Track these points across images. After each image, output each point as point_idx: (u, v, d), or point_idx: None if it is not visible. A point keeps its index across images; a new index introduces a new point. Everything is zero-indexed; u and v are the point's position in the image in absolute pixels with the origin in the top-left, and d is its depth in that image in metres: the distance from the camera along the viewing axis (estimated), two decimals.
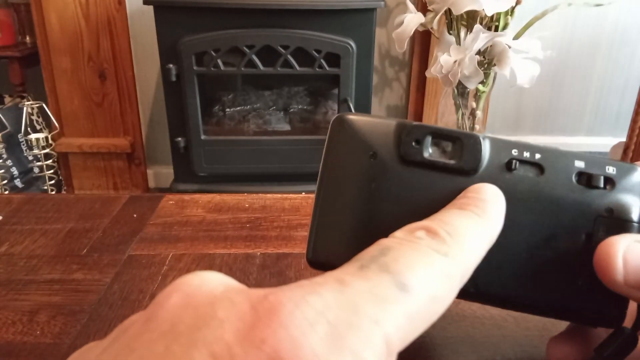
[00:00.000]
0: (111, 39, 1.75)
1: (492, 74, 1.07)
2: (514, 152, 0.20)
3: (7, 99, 1.87)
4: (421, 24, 1.08)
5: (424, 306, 0.14)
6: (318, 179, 0.21)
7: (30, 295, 0.32)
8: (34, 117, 1.78)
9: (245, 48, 1.50)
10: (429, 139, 0.20)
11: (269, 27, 1.50)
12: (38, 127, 1.80)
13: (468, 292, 0.19)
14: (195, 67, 1.52)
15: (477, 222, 0.17)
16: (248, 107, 1.79)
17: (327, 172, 0.20)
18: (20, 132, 1.75)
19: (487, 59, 1.05)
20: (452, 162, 0.20)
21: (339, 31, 1.51)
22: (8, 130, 1.72)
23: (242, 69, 1.54)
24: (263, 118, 1.77)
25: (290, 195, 0.46)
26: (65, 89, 1.79)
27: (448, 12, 1.04)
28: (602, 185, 0.20)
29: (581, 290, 0.19)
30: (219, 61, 1.52)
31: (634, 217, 0.19)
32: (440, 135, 0.20)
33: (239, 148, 1.65)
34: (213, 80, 1.79)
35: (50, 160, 1.71)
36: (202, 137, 1.63)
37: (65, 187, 1.92)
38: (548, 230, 0.20)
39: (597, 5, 1.07)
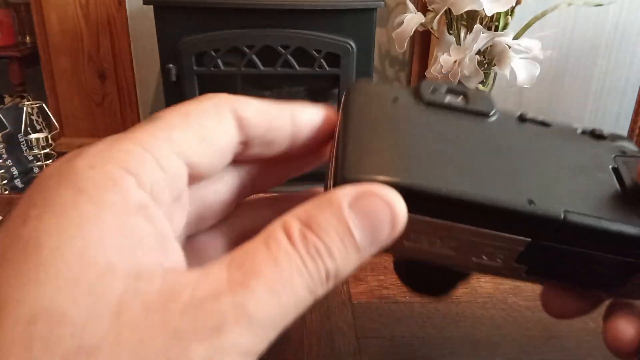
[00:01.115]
0: (111, 39, 1.75)
1: (492, 74, 1.07)
2: (520, 112, 0.21)
3: (7, 99, 1.87)
4: (421, 24, 1.08)
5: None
6: (337, 131, 0.19)
7: None
8: (34, 117, 1.78)
9: (245, 48, 1.50)
10: (444, 88, 0.20)
11: (269, 27, 1.50)
12: (38, 127, 1.80)
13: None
14: (195, 67, 1.52)
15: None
16: None
17: (349, 121, 0.19)
18: (20, 132, 1.75)
19: (487, 59, 1.05)
20: (469, 105, 0.20)
21: (339, 31, 1.50)
22: (8, 130, 1.72)
23: (242, 69, 1.54)
24: None
25: None
26: (65, 89, 1.79)
27: (448, 12, 1.04)
28: (604, 133, 0.21)
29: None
30: (219, 61, 1.52)
31: None
32: (452, 89, 0.21)
33: None
34: (213, 80, 1.79)
35: (51, 160, 1.71)
36: None
37: None
38: (577, 161, 0.20)
39: (597, 5, 1.07)
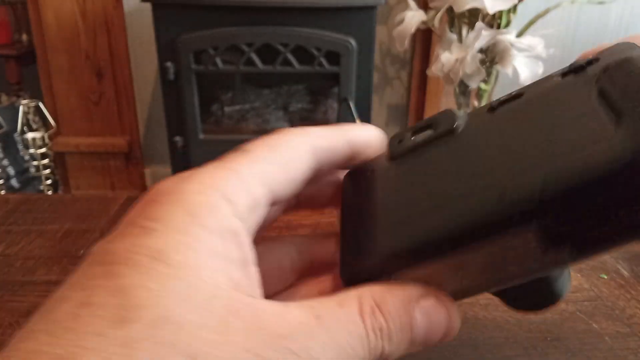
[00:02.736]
0: (108, 37, 1.74)
1: (494, 72, 1.07)
2: (492, 102, 0.19)
3: (4, 98, 1.86)
4: (422, 22, 1.07)
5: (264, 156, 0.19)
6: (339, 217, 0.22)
7: (27, 297, 0.32)
8: (31, 116, 1.77)
9: (244, 46, 1.50)
10: (409, 132, 0.21)
11: (268, 25, 1.49)
12: (34, 126, 1.79)
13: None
14: (193, 66, 1.52)
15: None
16: (247, 105, 1.79)
17: (342, 213, 0.22)
18: (17, 131, 1.74)
19: (489, 57, 1.04)
20: (434, 132, 0.19)
21: (339, 29, 1.50)
22: (4, 129, 1.71)
23: (241, 67, 1.53)
24: (262, 117, 1.76)
25: None
26: (62, 88, 1.78)
27: (450, 9, 1.03)
28: (584, 64, 0.17)
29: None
30: (218, 59, 1.51)
31: (628, 58, 0.16)
32: (417, 128, 0.21)
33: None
34: (211, 78, 1.78)
35: (47, 160, 1.70)
36: (201, 136, 1.62)
37: (61, 187, 1.91)
38: (556, 118, 0.16)
39: (601, 2, 1.06)
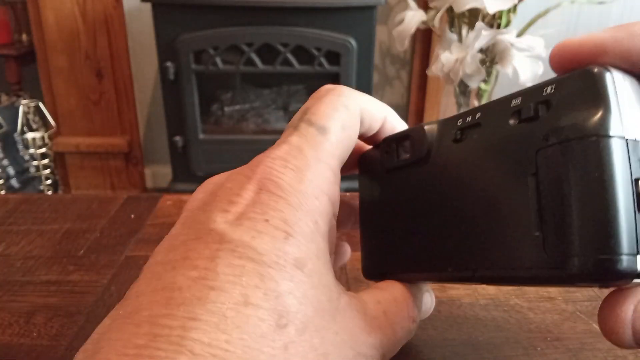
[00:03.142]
0: (108, 37, 1.74)
1: (494, 72, 1.07)
2: (459, 122, 0.19)
3: (3, 98, 1.86)
4: (422, 22, 1.07)
5: (340, 133, 0.20)
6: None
7: (26, 297, 0.32)
8: (31, 116, 1.77)
9: (244, 46, 1.50)
10: (394, 146, 0.22)
11: (268, 25, 1.49)
12: (34, 126, 1.79)
13: (444, 277, 0.20)
14: (193, 66, 1.52)
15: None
16: (247, 105, 1.79)
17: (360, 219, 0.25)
18: (17, 131, 1.74)
19: (489, 57, 1.04)
20: (407, 156, 0.21)
21: (339, 29, 1.50)
22: (4, 129, 1.71)
23: (241, 67, 1.53)
24: (262, 117, 1.76)
25: None
26: (62, 88, 1.78)
27: (450, 9, 1.03)
28: (532, 113, 0.16)
29: (538, 242, 0.16)
30: (218, 59, 1.51)
31: (573, 134, 0.15)
32: (398, 139, 0.22)
33: (237, 147, 1.65)
34: (211, 78, 1.78)
35: (47, 160, 1.70)
36: (201, 136, 1.62)
37: (61, 187, 1.91)
38: (497, 188, 0.17)
39: (600, 2, 1.06)
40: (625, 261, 0.14)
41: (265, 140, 1.66)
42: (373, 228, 0.23)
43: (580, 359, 0.27)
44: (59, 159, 1.88)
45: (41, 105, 1.71)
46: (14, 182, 1.77)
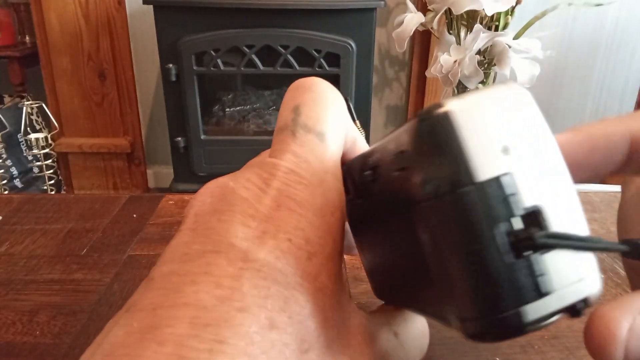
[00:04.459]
0: (111, 39, 1.75)
1: (492, 74, 1.07)
2: (369, 160, 0.18)
3: (7, 99, 1.87)
4: (421, 24, 1.07)
5: (337, 140, 0.19)
6: None
7: (30, 295, 0.32)
8: (34, 117, 1.78)
9: (245, 48, 1.50)
10: (366, 168, 0.20)
11: (269, 27, 1.50)
12: (38, 127, 1.80)
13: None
14: (195, 67, 1.52)
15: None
16: (248, 107, 1.79)
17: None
18: (20, 132, 1.74)
19: (487, 59, 1.05)
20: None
21: (339, 31, 1.50)
22: (8, 130, 1.72)
23: (242, 68, 1.54)
24: (263, 118, 1.77)
25: None
26: (65, 89, 1.79)
27: (448, 11, 1.04)
28: (404, 164, 0.15)
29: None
30: (219, 61, 1.52)
31: (429, 193, 0.13)
32: (364, 159, 0.20)
33: (238, 148, 1.65)
34: (213, 80, 1.79)
35: (50, 160, 1.71)
36: (202, 137, 1.63)
37: (64, 187, 1.91)
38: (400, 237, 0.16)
39: (597, 5, 1.07)
40: (512, 317, 0.12)
41: (265, 140, 1.67)
42: (364, 249, 0.22)
43: (577, 357, 0.27)
44: (62, 160, 1.89)
45: (44, 106, 1.72)
46: (18, 182, 1.78)
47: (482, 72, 1.02)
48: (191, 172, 1.67)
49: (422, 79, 1.84)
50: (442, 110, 0.13)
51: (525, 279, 0.12)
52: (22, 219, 0.41)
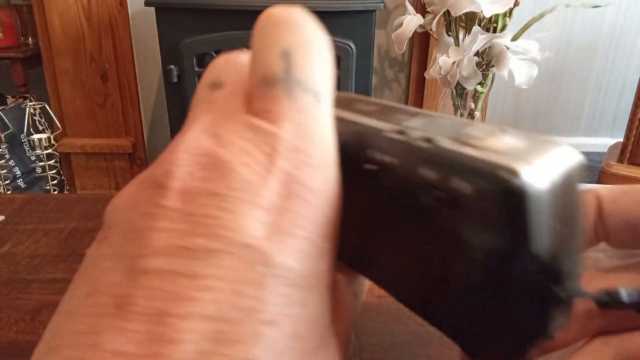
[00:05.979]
0: (113, 40, 1.76)
1: (490, 75, 1.08)
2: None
3: (10, 100, 1.88)
4: (420, 26, 1.08)
5: (330, 93, 0.16)
6: None
7: (32, 295, 0.32)
8: (37, 118, 1.79)
9: (246, 49, 1.51)
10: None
11: None
12: (40, 128, 1.81)
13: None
14: (196, 68, 1.53)
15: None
16: None
17: None
18: (23, 133, 1.76)
19: (486, 60, 1.05)
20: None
21: (339, 33, 1.51)
22: (11, 130, 1.73)
23: None
24: None
25: None
26: (68, 90, 1.80)
27: (447, 13, 1.04)
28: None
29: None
30: None
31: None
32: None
33: None
34: None
35: (53, 161, 1.72)
36: None
37: (67, 187, 1.93)
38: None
39: (595, 6, 1.08)
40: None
41: None
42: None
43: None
44: (64, 160, 1.90)
45: (47, 107, 1.73)
46: (20, 182, 1.79)
47: (480, 73, 1.03)
48: None
49: (421, 80, 1.84)
50: (521, 184, 0.12)
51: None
52: (25, 219, 0.41)
